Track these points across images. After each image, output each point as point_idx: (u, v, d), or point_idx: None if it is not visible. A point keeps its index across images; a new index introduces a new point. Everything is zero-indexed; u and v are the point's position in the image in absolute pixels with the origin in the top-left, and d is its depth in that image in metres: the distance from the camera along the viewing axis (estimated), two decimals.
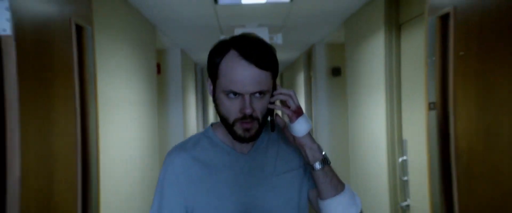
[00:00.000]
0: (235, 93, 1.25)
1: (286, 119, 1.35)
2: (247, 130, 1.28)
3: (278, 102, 1.33)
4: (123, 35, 3.27)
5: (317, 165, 1.33)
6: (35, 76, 1.57)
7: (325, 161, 1.34)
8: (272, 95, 1.31)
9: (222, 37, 4.45)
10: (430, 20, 2.06)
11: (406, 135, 3.10)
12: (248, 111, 1.25)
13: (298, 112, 1.30)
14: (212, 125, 1.44)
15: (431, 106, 2.11)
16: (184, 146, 1.38)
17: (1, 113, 1.44)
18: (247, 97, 1.25)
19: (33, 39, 1.56)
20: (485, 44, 1.68)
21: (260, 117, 1.29)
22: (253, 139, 1.30)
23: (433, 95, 2.08)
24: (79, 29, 1.96)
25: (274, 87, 1.32)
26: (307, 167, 1.40)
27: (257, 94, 1.26)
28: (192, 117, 7.19)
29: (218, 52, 1.28)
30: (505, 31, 1.56)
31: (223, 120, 1.31)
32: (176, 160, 1.35)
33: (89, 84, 2.08)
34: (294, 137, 1.33)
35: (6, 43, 1.41)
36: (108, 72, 2.77)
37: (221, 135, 1.38)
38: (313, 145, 1.33)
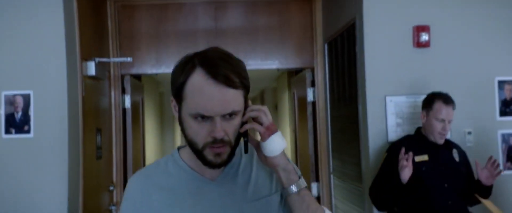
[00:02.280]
0: (203, 116, 1.10)
1: (258, 138, 1.20)
2: (218, 154, 1.13)
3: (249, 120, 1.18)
4: (147, 91, 5.98)
5: (293, 188, 1.17)
6: (133, 120, 4.24)
7: (301, 183, 1.18)
8: (243, 114, 1.15)
9: None
10: (292, 95, 4.83)
11: None
12: (219, 135, 1.10)
13: (271, 129, 1.15)
14: (179, 148, 1.30)
15: (291, 129, 4.88)
16: (147, 172, 1.26)
17: (125, 132, 4.10)
18: (217, 119, 1.10)
19: (132, 107, 4.23)
20: (301, 108, 4.43)
21: (232, 139, 1.14)
22: (225, 163, 1.16)
23: (293, 126, 4.85)
24: (143, 99, 4.65)
25: (246, 106, 1.17)
26: (283, 192, 1.21)
27: (228, 116, 1.11)
28: (178, 138, 9.92)
29: (183, 71, 1.12)
30: (303, 103, 4.29)
31: (191, 145, 1.16)
32: (136, 187, 1.23)
33: (143, 120, 4.76)
34: (266, 157, 1.18)
35: (129, 111, 4.10)
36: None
37: (188, 159, 1.24)
38: (288, 166, 1.19)
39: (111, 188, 3.85)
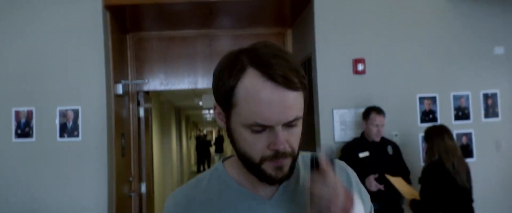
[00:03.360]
0: (262, 126, 0.91)
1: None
2: (279, 168, 0.95)
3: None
4: (153, 104, 7.15)
5: None
6: (145, 126, 5.40)
7: None
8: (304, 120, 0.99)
9: (198, 101, 8.48)
10: None
11: None
12: (282, 147, 0.92)
13: (347, 208, 0.91)
14: (223, 160, 1.12)
15: None
16: (187, 192, 1.07)
17: (139, 135, 5.28)
18: (279, 129, 0.91)
19: (145, 116, 5.39)
20: None
21: (295, 150, 0.96)
22: (287, 178, 0.98)
23: None
24: (150, 109, 5.81)
25: (305, 110, 0.98)
26: None
27: (291, 124, 0.93)
28: (173, 141, 11.08)
29: (231, 72, 0.92)
30: None
31: (245, 159, 0.97)
32: (177, 209, 1.05)
33: (151, 126, 5.91)
34: None
35: (142, 120, 5.27)
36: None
37: (237, 174, 1.05)
38: None
39: (130, 179, 5.00)
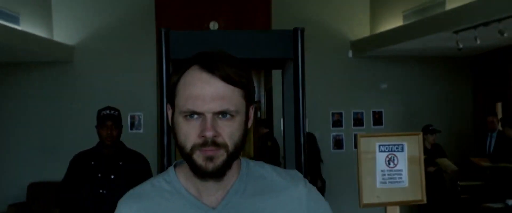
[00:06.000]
0: (193, 114, 1.01)
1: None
2: (209, 158, 1.01)
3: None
4: None
5: None
6: None
7: None
8: (246, 122, 1.06)
9: None
10: None
11: None
12: (209, 133, 0.99)
13: None
14: (175, 165, 1.16)
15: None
16: (138, 194, 1.13)
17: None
18: (209, 116, 1.00)
19: None
20: (254, 121, 9.08)
21: (229, 144, 1.02)
22: (219, 171, 1.02)
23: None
24: None
25: (248, 114, 1.07)
26: None
27: (222, 116, 1.01)
28: None
29: (178, 70, 1.06)
30: (255, 118, 8.93)
31: (181, 149, 1.05)
32: (126, 211, 1.11)
33: None
34: None
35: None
36: None
37: (185, 179, 1.11)
38: None
39: None
